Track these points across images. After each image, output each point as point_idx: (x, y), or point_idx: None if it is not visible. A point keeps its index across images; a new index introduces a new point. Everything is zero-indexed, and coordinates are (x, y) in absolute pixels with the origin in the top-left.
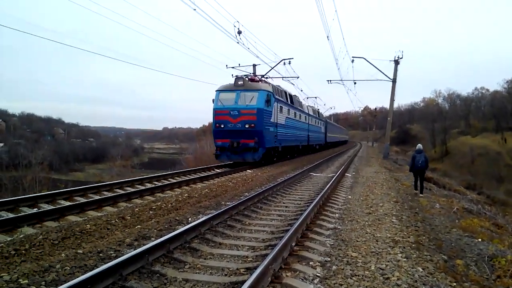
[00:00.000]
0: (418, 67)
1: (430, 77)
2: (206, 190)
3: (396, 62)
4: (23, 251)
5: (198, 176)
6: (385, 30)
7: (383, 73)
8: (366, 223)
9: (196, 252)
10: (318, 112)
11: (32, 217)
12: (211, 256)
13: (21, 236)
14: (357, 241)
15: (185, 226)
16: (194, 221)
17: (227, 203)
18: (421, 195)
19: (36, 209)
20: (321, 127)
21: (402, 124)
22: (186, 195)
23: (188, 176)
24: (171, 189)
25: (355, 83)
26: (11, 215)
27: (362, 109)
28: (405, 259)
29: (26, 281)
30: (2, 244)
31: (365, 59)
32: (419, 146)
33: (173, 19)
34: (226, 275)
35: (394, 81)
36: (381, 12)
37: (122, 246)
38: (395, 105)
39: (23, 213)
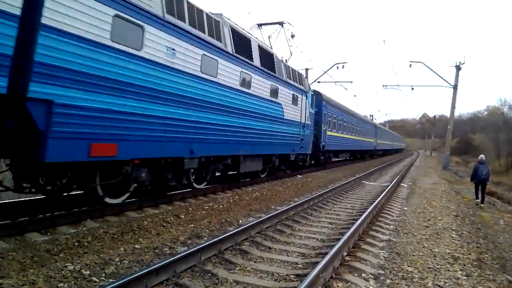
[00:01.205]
0: (482, 73)
1: (495, 84)
2: (256, 193)
3: (458, 68)
4: (86, 243)
5: (248, 179)
6: (446, 33)
7: (443, 79)
8: (423, 236)
9: (246, 255)
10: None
11: (95, 211)
12: (260, 259)
13: (84, 229)
14: (413, 255)
15: (236, 228)
16: (244, 224)
17: (277, 207)
18: (482, 204)
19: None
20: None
21: (464, 134)
22: (236, 197)
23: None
24: (223, 190)
25: (412, 88)
26: (75, 209)
27: (420, 116)
28: (465, 277)
29: (88, 272)
30: (67, 236)
31: (423, 63)
32: (482, 157)
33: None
34: (275, 280)
35: (455, 87)
36: (442, 15)
37: (176, 243)
38: (456, 113)
39: (87, 208)
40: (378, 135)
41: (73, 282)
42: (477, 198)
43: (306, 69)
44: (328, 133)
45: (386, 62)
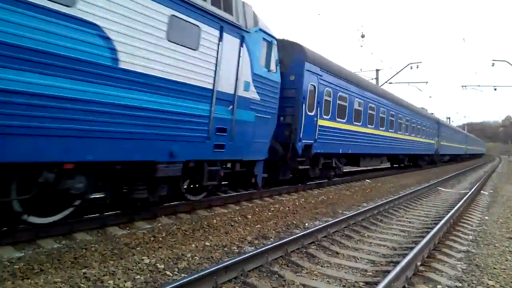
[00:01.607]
0: None
1: None
2: (323, 197)
3: None
4: (160, 239)
5: (314, 182)
6: None
7: None
8: (507, 248)
9: (313, 258)
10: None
11: (168, 208)
12: (328, 264)
13: (159, 225)
14: (495, 268)
15: (302, 230)
16: (311, 227)
17: (344, 212)
18: None
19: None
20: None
21: None
22: (302, 200)
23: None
24: (288, 193)
25: (495, 89)
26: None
27: (503, 119)
28: None
29: (162, 266)
30: (144, 231)
31: (508, 62)
32: None
33: (296, 26)
34: (344, 286)
35: None
36: None
37: (244, 243)
38: None
39: (162, 205)
40: (443, 135)
41: (148, 275)
42: None
43: (377, 70)
44: (323, 122)
45: (466, 61)
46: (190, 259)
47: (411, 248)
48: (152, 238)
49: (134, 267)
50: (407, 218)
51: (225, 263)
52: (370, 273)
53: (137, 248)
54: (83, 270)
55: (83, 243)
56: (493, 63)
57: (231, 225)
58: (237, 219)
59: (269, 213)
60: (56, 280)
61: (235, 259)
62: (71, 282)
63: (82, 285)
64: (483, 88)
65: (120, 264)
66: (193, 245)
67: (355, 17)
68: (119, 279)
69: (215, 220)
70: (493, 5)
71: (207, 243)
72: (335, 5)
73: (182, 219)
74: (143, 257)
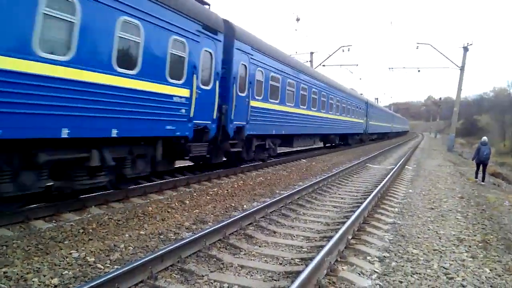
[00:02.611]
0: (489, 54)
1: (502, 65)
2: (261, 178)
3: (465, 49)
4: (91, 230)
5: (252, 164)
6: (454, 14)
7: (450, 60)
8: (429, 219)
9: (251, 239)
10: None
11: (99, 197)
12: (265, 244)
13: (89, 215)
14: (418, 237)
15: (240, 213)
16: (249, 209)
17: (282, 191)
18: (482, 182)
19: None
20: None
21: (469, 115)
22: (241, 182)
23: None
24: (227, 175)
25: (419, 70)
26: (81, 196)
27: (426, 98)
28: (470, 259)
29: (93, 259)
30: (72, 223)
31: (431, 45)
32: (485, 138)
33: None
34: (281, 264)
35: (462, 69)
36: None
37: (181, 229)
38: (462, 95)
39: (92, 194)
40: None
41: (77, 269)
42: (476, 177)
43: (311, 53)
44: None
45: (393, 44)
46: (124, 249)
47: (343, 223)
48: (81, 230)
49: (62, 262)
50: (339, 194)
51: (161, 251)
52: (306, 249)
53: (65, 242)
54: (4, 269)
55: (3, 240)
56: (417, 46)
57: (168, 212)
58: (174, 205)
59: (208, 197)
60: None
61: (171, 246)
62: None
63: (3, 285)
64: (408, 69)
65: (46, 260)
66: (127, 235)
67: (290, 1)
68: (44, 276)
69: (150, 208)
70: None
71: (142, 232)
72: None
73: (115, 208)
74: (71, 251)
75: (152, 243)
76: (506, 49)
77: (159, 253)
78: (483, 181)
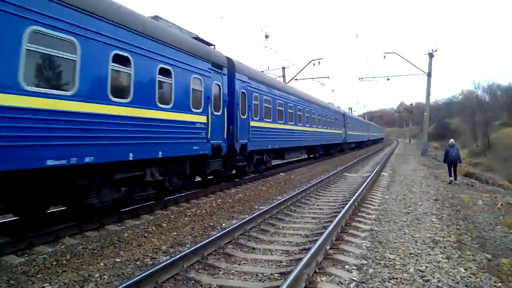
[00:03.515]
0: (455, 59)
1: (468, 68)
2: (240, 195)
3: (431, 55)
4: (64, 261)
5: (231, 181)
6: (418, 22)
7: (417, 67)
8: (405, 223)
9: (230, 258)
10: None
11: (73, 227)
12: (244, 261)
13: (62, 246)
14: (395, 242)
15: (219, 232)
16: (228, 227)
17: (261, 207)
18: (455, 181)
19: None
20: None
21: (441, 119)
22: (220, 200)
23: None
24: (205, 195)
25: (388, 79)
26: (54, 228)
27: (397, 105)
28: (446, 260)
29: None
30: (45, 255)
31: (397, 54)
32: (452, 141)
33: (197, 28)
34: (260, 280)
35: (429, 74)
36: (413, 3)
37: (158, 253)
38: (432, 99)
39: (65, 224)
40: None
41: None
42: (450, 176)
43: (283, 68)
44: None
45: (361, 55)
46: (99, 279)
47: (321, 234)
48: (54, 263)
49: None
50: (317, 205)
51: (137, 278)
52: (285, 263)
53: (37, 276)
54: None
55: None
56: (385, 56)
57: (145, 237)
58: (151, 229)
59: (186, 219)
60: None
61: (147, 272)
62: None
63: None
64: (377, 79)
65: None
66: (102, 264)
67: (258, 18)
68: None
69: (126, 234)
70: (381, 1)
71: (117, 260)
72: (237, 8)
73: (89, 237)
74: (44, 285)
75: (128, 270)
76: (471, 52)
77: (134, 279)
78: (455, 179)
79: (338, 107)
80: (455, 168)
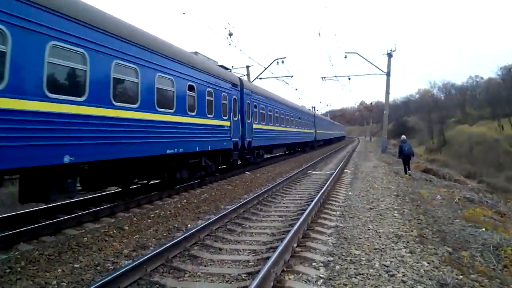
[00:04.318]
0: (413, 59)
1: (425, 68)
2: (205, 195)
3: (389, 55)
4: (19, 269)
5: (196, 181)
6: (378, 23)
7: (376, 67)
8: (368, 219)
9: (196, 260)
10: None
11: (28, 232)
12: (211, 262)
13: (16, 253)
14: (360, 238)
15: (184, 233)
16: (193, 228)
17: (227, 207)
18: (410, 171)
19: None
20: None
21: (399, 117)
22: (184, 201)
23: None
24: (170, 195)
25: (349, 78)
26: (7, 232)
27: (358, 104)
28: (409, 254)
29: None
30: None
31: (358, 54)
32: (403, 137)
33: (161, 25)
34: (227, 281)
35: (388, 74)
36: (372, 4)
37: (120, 257)
38: (391, 98)
39: (19, 229)
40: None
41: None
42: (406, 172)
43: (247, 67)
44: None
45: (323, 55)
46: (56, 286)
47: (288, 232)
48: (8, 270)
49: None
50: (284, 203)
51: (97, 284)
52: (252, 263)
53: None
54: None
55: None
56: (346, 55)
57: (105, 240)
58: (112, 232)
59: (149, 221)
60: None
61: (108, 278)
62: None
63: None
64: (339, 78)
65: None
66: (60, 270)
67: (222, 16)
68: None
69: (85, 238)
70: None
71: (76, 265)
72: (200, 4)
73: (46, 243)
74: None
75: (88, 276)
76: (427, 52)
77: (94, 285)
78: (409, 170)
79: (309, 109)
80: (409, 162)
